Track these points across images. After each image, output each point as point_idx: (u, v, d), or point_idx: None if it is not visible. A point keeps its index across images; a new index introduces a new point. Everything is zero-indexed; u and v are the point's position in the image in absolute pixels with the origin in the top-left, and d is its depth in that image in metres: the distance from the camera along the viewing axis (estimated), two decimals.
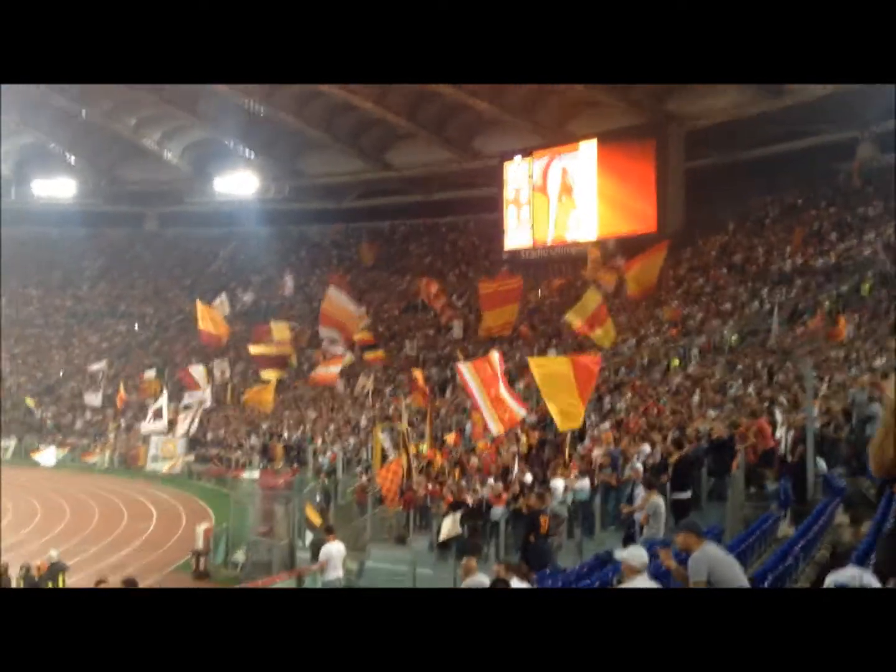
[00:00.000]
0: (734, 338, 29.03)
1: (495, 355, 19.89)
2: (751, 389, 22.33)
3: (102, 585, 11.07)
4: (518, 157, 46.19)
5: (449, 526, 17.37)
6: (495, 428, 19.11)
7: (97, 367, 48.37)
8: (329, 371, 36.30)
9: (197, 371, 41.83)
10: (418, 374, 30.38)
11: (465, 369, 19.53)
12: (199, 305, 41.67)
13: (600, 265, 38.32)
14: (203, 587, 19.56)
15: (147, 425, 40.70)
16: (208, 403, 41.92)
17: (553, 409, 16.96)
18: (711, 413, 20.45)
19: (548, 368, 17.90)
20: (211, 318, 41.34)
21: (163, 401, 39.81)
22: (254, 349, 39.61)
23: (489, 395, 18.49)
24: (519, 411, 19.42)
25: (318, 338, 47.15)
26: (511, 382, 30.65)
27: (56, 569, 16.95)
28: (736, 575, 7.02)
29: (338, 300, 37.91)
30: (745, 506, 14.41)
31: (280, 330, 39.45)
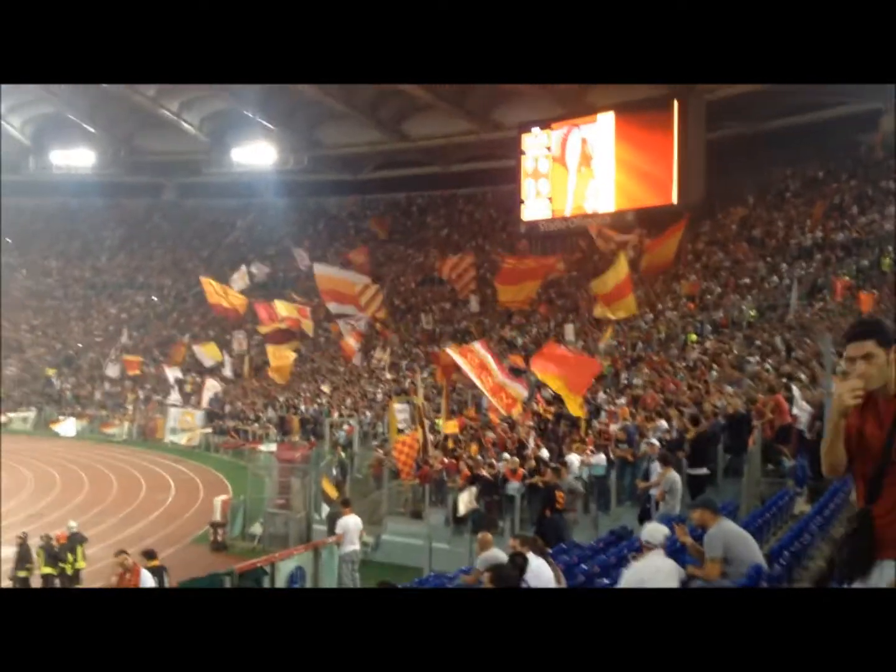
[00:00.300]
0: (752, 313, 28.82)
1: (476, 344, 20.57)
2: (769, 365, 22.17)
3: (123, 557, 11.20)
4: (536, 129, 45.81)
5: (466, 501, 17.44)
6: (502, 410, 19.89)
7: (125, 339, 48.79)
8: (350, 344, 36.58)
9: (199, 351, 42.33)
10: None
11: (453, 354, 20.23)
12: (205, 281, 41.72)
13: (612, 238, 37.99)
14: (219, 559, 19.76)
15: (174, 396, 41.27)
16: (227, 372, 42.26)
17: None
18: (729, 389, 20.33)
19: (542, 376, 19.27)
20: (222, 293, 41.38)
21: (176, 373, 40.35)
22: (262, 329, 39.69)
23: (486, 384, 19.28)
24: (520, 392, 19.99)
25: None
26: (526, 358, 30.69)
27: (75, 540, 17.14)
28: (752, 551, 7.00)
29: (328, 275, 37.72)
30: (762, 482, 14.34)
31: (286, 308, 39.49)
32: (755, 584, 6.34)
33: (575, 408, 19.03)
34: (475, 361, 19.64)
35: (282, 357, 36.05)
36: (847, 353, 3.43)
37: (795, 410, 15.26)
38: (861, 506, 3.38)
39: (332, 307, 38.47)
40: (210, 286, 41.13)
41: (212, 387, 40.80)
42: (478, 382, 19.80)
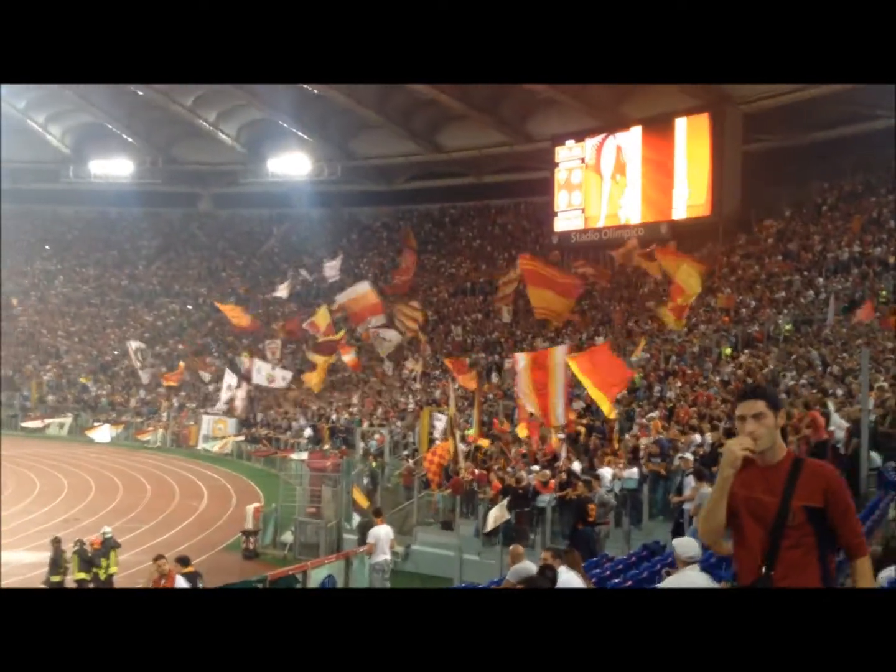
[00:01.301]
0: (788, 327, 28.52)
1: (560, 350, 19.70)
2: (804, 380, 21.93)
3: (161, 562, 11.32)
4: (570, 142, 45.78)
5: (496, 514, 17.42)
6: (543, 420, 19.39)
7: (135, 344, 49.05)
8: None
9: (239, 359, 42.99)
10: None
11: (521, 359, 19.54)
12: (221, 306, 43.41)
13: (639, 251, 37.78)
14: (251, 567, 19.87)
15: (219, 405, 41.72)
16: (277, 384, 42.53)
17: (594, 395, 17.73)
18: None
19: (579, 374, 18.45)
20: (235, 315, 43.24)
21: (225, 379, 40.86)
22: (322, 338, 40.29)
23: (537, 396, 18.44)
24: (560, 418, 19.14)
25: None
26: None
27: (109, 545, 17.30)
28: None
29: (350, 297, 38.42)
30: None
31: (322, 317, 39.86)
32: None
33: (607, 407, 18.65)
34: (549, 363, 18.87)
35: (321, 369, 36.82)
36: (738, 411, 3.54)
37: (831, 426, 15.09)
38: (755, 574, 3.41)
39: (361, 326, 39.03)
40: (227, 310, 42.96)
41: (243, 395, 41.08)
42: (528, 393, 18.90)
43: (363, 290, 38.35)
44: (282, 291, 48.98)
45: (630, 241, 39.64)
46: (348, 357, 38.21)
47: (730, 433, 15.27)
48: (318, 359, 37.60)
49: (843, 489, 3.47)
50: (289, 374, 40.53)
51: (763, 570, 3.40)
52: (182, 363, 47.94)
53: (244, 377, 40.90)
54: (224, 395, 40.39)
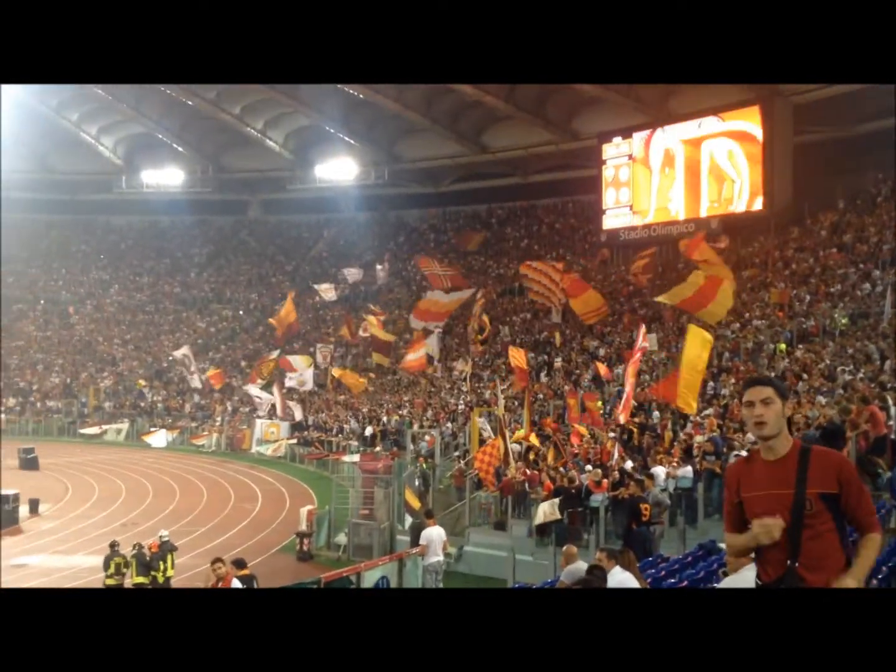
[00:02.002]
0: (844, 321, 27.95)
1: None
2: (862, 374, 21.47)
3: (218, 565, 11.45)
4: (618, 139, 45.41)
5: (546, 510, 17.32)
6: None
7: (180, 352, 49.85)
8: (417, 356, 36.78)
9: (295, 360, 43.27)
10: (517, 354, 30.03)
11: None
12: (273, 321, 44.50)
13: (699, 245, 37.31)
14: (305, 568, 20.01)
15: (262, 411, 42.33)
16: (309, 386, 43.11)
17: (683, 388, 17.40)
18: (821, 399, 19.76)
19: (697, 344, 17.93)
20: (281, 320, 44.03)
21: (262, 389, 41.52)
22: (378, 333, 41.29)
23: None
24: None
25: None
26: (610, 367, 30.36)
27: (166, 548, 17.54)
28: None
29: (432, 299, 38.93)
30: None
31: (372, 323, 40.42)
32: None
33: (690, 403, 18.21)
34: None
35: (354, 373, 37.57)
36: (746, 397, 3.59)
37: (891, 421, 14.77)
38: (782, 568, 3.48)
39: (416, 323, 39.26)
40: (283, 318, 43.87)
41: (290, 406, 41.72)
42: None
43: (445, 297, 39.16)
44: (326, 294, 49.55)
45: (697, 234, 39.14)
46: (415, 356, 37.83)
47: None
48: (382, 359, 38.55)
49: (854, 472, 3.54)
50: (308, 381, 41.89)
51: (789, 562, 3.43)
52: (217, 369, 48.72)
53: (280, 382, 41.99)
54: (264, 403, 41.33)
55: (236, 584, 11.37)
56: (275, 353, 47.20)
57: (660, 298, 29.45)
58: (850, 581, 3.32)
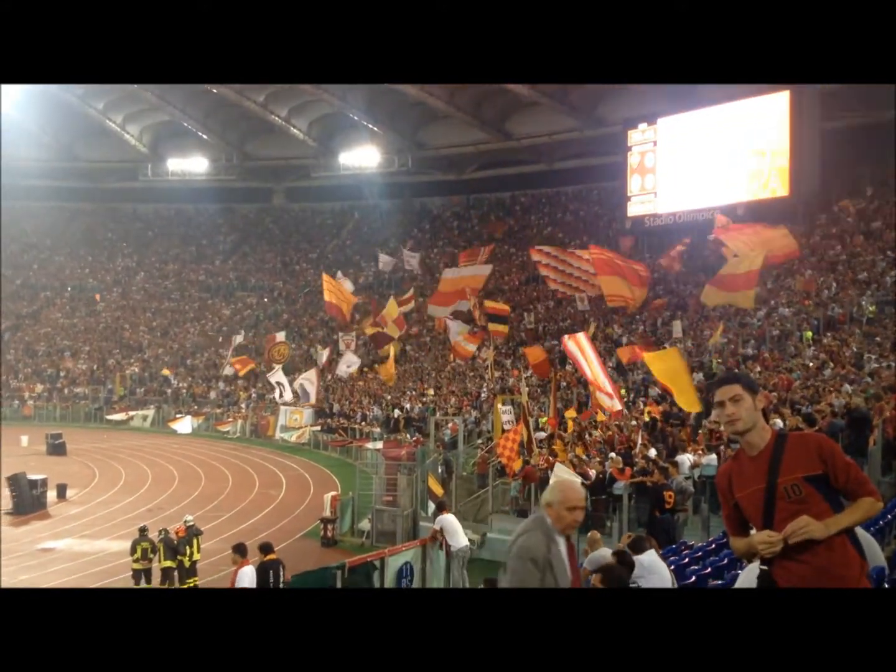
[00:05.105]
0: (872, 308, 27.64)
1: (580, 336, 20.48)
2: (889, 363, 21.25)
3: (230, 553, 11.58)
4: (643, 125, 45.04)
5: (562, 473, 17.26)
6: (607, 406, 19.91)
7: (239, 339, 50.28)
8: (468, 347, 36.47)
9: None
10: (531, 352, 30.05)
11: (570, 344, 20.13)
12: (326, 277, 42.74)
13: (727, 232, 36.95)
14: (329, 554, 20.10)
15: (285, 396, 42.38)
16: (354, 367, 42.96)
17: (675, 394, 17.50)
18: (847, 387, 19.59)
19: (662, 363, 18.40)
20: (337, 290, 42.40)
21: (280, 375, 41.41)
22: (369, 330, 40.72)
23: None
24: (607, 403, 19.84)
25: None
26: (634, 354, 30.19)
27: (192, 532, 17.70)
28: (874, 553, 6.70)
29: (451, 277, 38.40)
30: (882, 483, 13.77)
31: (391, 309, 40.19)
32: (878, 587, 6.08)
33: (695, 404, 18.27)
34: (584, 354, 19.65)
35: (391, 361, 37.16)
36: (716, 398, 3.58)
37: None
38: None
39: (439, 311, 39.01)
40: (328, 283, 42.28)
41: (302, 380, 41.54)
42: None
43: (467, 274, 38.61)
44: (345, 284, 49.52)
45: (719, 218, 38.79)
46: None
47: (810, 418, 14.91)
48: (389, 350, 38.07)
49: (835, 448, 3.51)
50: (356, 361, 41.35)
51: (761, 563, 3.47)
52: (241, 357, 48.83)
53: (321, 368, 41.75)
54: (288, 391, 41.32)
55: (249, 570, 11.47)
56: (280, 335, 47.18)
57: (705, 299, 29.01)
58: (817, 528, 3.30)
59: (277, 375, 42.01)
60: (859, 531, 6.97)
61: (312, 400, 40.64)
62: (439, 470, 23.85)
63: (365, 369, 44.57)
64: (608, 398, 19.63)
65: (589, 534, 10.34)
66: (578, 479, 16.19)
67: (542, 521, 3.93)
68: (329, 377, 45.26)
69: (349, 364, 41.90)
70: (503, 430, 23.22)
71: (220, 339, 55.95)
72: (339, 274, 50.24)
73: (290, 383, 41.50)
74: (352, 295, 44.05)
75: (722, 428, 17.92)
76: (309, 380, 40.23)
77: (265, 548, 12.38)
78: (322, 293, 43.61)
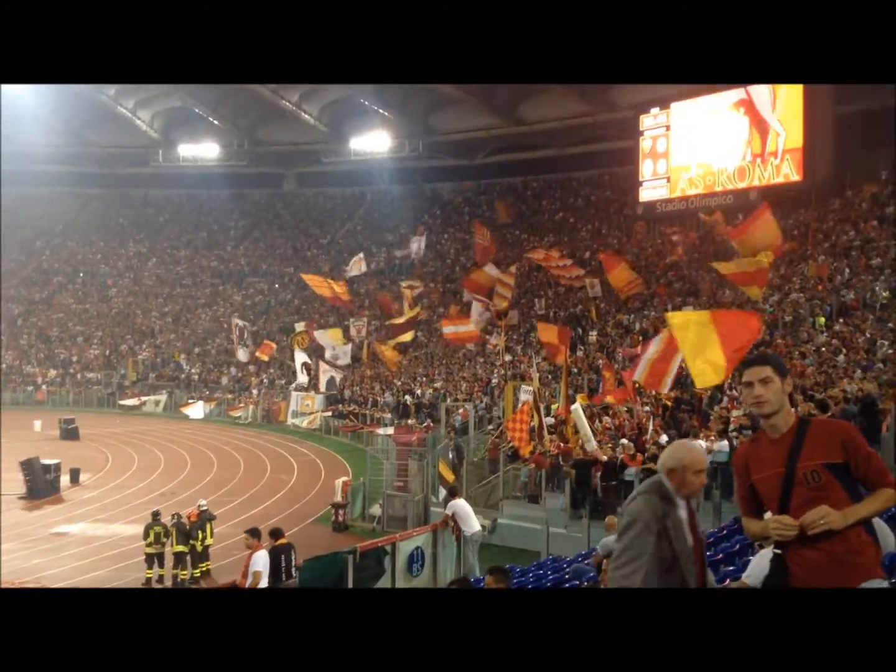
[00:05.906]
0: (885, 294, 27.46)
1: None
2: None
3: (245, 536, 11.62)
4: (655, 109, 44.75)
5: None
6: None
7: (241, 322, 50.41)
8: (461, 329, 36.48)
9: (324, 336, 43.63)
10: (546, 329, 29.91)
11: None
12: (306, 277, 43.86)
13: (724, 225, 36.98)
14: (340, 539, 20.17)
15: (300, 378, 42.80)
16: (343, 361, 43.41)
17: (692, 367, 16.38)
18: (860, 374, 19.50)
19: (685, 332, 16.94)
20: (325, 283, 43.39)
21: (302, 357, 41.76)
22: (389, 322, 41.36)
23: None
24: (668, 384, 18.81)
25: (448, 295, 47.74)
26: (646, 340, 30.10)
27: (205, 517, 17.81)
28: (887, 541, 6.67)
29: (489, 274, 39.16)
30: (895, 469, 13.69)
31: (407, 297, 40.60)
32: (891, 575, 6.06)
33: (717, 375, 17.35)
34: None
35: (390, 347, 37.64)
36: (744, 378, 3.57)
37: None
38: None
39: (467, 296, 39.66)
40: (312, 280, 43.04)
41: (328, 370, 41.89)
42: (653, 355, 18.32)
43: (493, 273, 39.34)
44: (353, 270, 49.80)
45: (716, 213, 38.76)
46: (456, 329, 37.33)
47: (823, 404, 14.83)
48: (406, 337, 38.58)
49: (859, 437, 3.48)
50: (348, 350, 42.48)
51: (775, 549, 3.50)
52: (268, 341, 49.01)
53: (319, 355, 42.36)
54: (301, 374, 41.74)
55: (262, 555, 11.53)
56: (300, 325, 47.45)
57: (717, 265, 29.14)
58: (836, 518, 3.29)
59: (302, 356, 42.58)
60: (874, 519, 6.96)
61: (324, 386, 41.23)
62: (450, 456, 23.89)
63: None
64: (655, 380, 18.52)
65: (607, 518, 10.40)
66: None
67: (661, 485, 3.75)
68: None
69: (337, 357, 42.67)
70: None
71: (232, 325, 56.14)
72: (361, 254, 50.91)
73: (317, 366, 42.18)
74: (340, 284, 44.91)
75: (746, 410, 17.88)
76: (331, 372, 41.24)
77: (275, 533, 12.44)
78: (319, 293, 44.79)
